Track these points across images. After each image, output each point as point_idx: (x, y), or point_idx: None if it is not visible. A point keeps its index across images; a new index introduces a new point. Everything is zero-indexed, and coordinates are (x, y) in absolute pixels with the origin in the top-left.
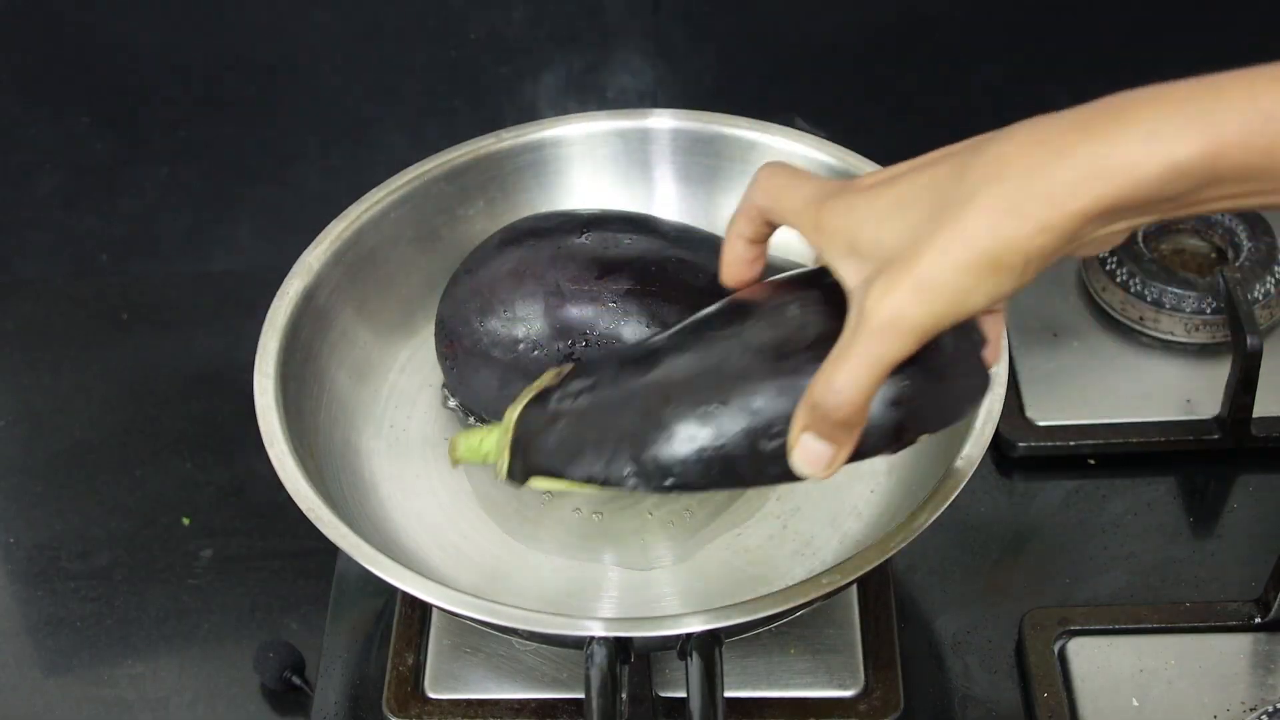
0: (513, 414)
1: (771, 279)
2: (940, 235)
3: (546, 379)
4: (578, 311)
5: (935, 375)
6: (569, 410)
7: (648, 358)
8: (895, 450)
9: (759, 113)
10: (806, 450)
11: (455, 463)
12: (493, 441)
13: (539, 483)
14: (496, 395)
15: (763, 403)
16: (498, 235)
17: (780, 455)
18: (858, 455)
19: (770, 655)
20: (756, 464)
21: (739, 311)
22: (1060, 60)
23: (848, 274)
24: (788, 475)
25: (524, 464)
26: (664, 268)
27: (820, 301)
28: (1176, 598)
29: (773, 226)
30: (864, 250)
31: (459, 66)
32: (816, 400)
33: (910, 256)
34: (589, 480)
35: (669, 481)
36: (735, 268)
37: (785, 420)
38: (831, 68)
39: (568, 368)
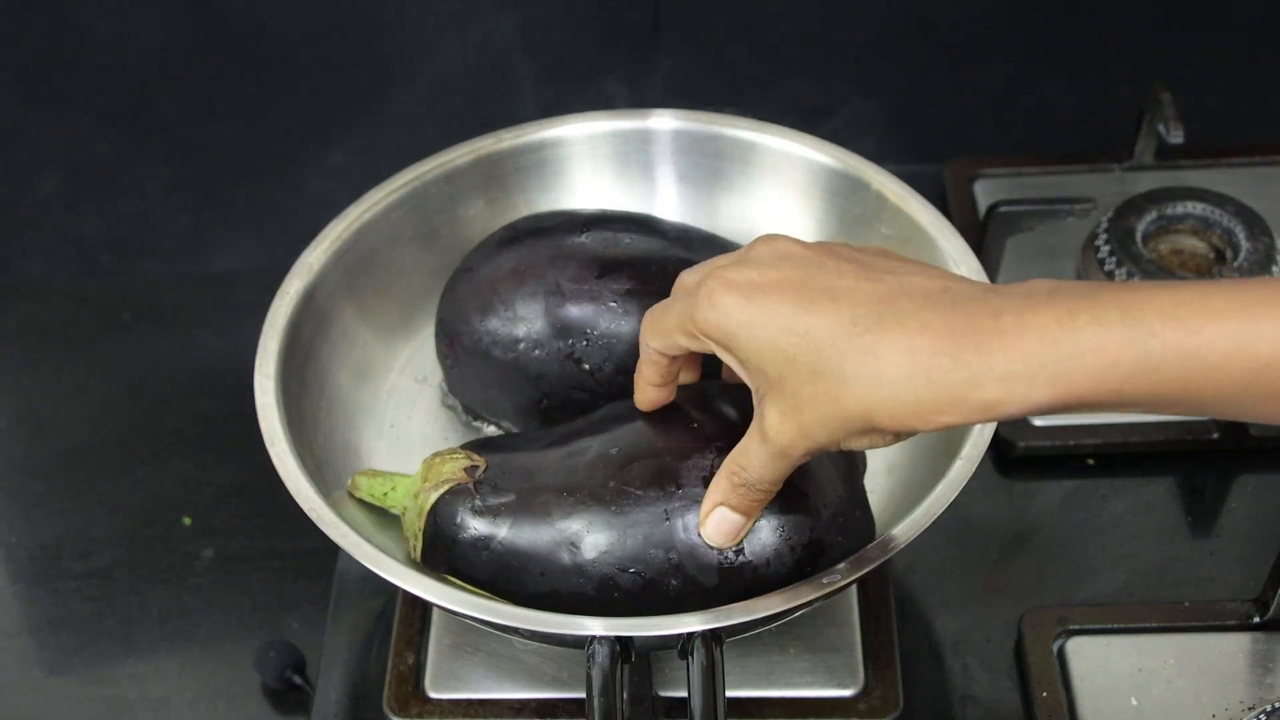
0: (425, 501)
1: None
2: (820, 405)
3: (457, 471)
4: (578, 311)
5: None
6: (494, 538)
7: (565, 490)
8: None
9: (759, 113)
10: (721, 520)
11: (351, 494)
12: (399, 499)
13: (452, 579)
14: (497, 394)
15: (681, 582)
16: (498, 234)
17: (680, 599)
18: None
19: (770, 655)
20: (664, 609)
21: (658, 466)
22: (1061, 60)
23: (740, 374)
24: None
25: (446, 564)
26: (664, 267)
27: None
28: (1175, 597)
29: (676, 362)
30: (746, 366)
31: (459, 67)
32: (739, 480)
33: (795, 404)
34: (508, 598)
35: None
36: (649, 404)
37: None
38: (831, 68)
39: (479, 464)
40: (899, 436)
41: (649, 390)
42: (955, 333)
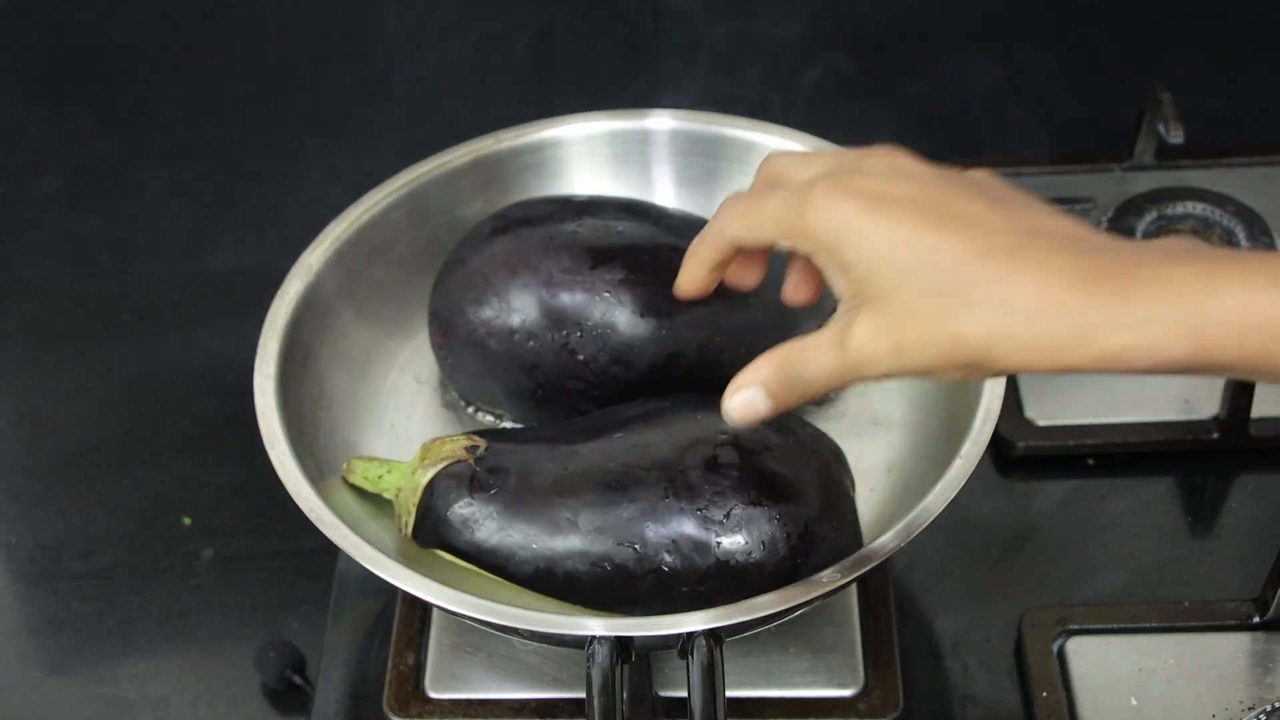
0: (422, 478)
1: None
2: (930, 324)
3: (458, 449)
4: (572, 302)
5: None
6: (491, 513)
7: (566, 469)
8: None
9: (758, 113)
10: (751, 398)
11: (345, 480)
12: (394, 481)
13: (442, 553)
14: (492, 384)
15: (677, 559)
16: (488, 223)
17: (674, 579)
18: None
19: (770, 655)
20: (648, 602)
21: (662, 449)
22: (1061, 60)
23: (834, 281)
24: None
25: (436, 537)
26: (657, 256)
27: (753, 498)
28: (1175, 597)
29: (738, 251)
30: (850, 272)
31: (459, 67)
32: (790, 372)
33: (899, 320)
34: (499, 574)
35: (570, 597)
36: (692, 287)
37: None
38: (832, 68)
39: (481, 443)
40: (1001, 374)
41: (701, 271)
42: (1095, 276)
